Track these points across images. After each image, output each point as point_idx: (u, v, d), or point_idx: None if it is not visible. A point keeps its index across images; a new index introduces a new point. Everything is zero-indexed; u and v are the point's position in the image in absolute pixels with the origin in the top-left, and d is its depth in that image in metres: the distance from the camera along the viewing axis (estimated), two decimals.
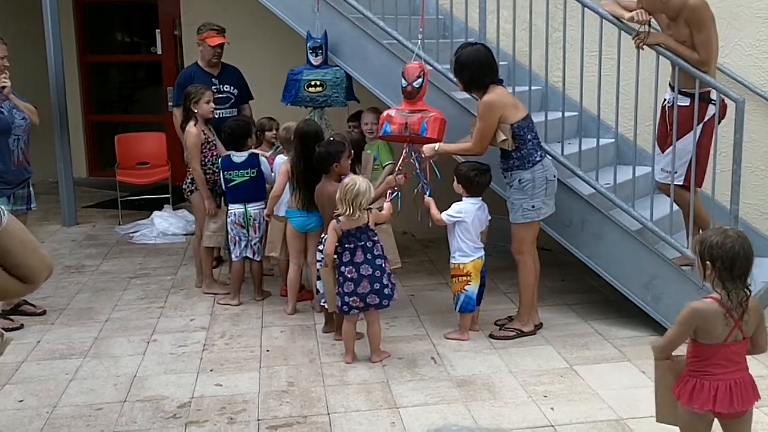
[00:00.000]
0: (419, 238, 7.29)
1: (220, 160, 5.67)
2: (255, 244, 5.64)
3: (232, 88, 6.49)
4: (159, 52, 9.44)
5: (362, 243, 4.53)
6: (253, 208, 5.59)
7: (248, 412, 4.08)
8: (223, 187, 5.66)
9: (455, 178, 4.96)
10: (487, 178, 4.95)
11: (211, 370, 4.61)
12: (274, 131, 6.35)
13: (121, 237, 7.66)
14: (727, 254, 2.93)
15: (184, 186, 5.96)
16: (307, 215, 5.27)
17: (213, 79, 6.40)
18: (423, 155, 5.05)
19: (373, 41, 5.70)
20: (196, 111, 5.70)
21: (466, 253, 4.91)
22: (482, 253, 4.98)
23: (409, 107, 5.10)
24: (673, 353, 3.13)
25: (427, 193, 5.03)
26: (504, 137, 4.80)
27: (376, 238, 4.60)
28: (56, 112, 7.87)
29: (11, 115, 5.38)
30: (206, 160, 5.76)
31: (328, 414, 4.05)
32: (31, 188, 5.61)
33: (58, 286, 6.20)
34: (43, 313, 5.59)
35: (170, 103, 7.29)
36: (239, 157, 5.60)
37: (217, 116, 6.26)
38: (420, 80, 5.09)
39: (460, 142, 5.05)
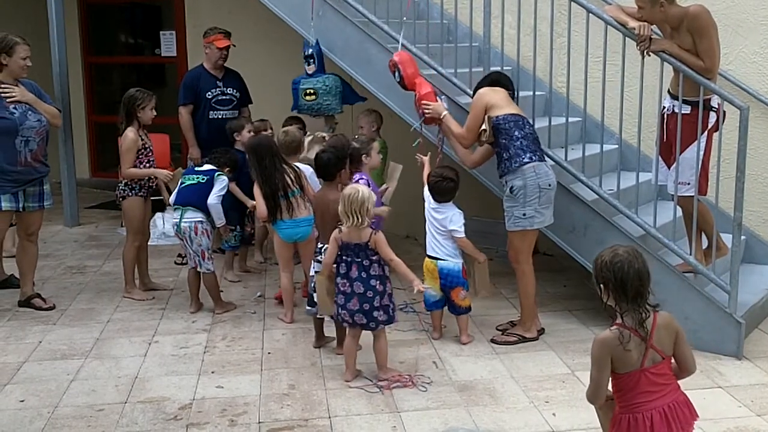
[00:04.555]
0: (422, 242, 7.26)
1: (186, 168, 5.59)
2: (195, 256, 5.49)
3: (234, 90, 6.74)
4: (163, 53, 9.45)
5: (359, 260, 4.35)
6: (186, 221, 5.43)
7: (249, 415, 4.08)
8: (174, 191, 5.61)
9: None
10: (446, 187, 4.87)
11: (212, 372, 4.61)
12: (270, 131, 6.45)
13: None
14: (617, 275, 2.79)
15: (116, 192, 5.81)
16: (295, 225, 5.20)
17: (218, 82, 6.63)
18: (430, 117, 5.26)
19: (376, 45, 5.71)
20: (139, 116, 5.63)
21: (427, 247, 5.01)
22: (434, 254, 4.93)
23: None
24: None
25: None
26: (484, 127, 4.89)
27: (375, 257, 4.36)
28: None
29: (24, 116, 5.39)
30: (141, 165, 5.69)
31: (329, 417, 4.05)
32: (44, 186, 5.62)
33: (59, 286, 6.21)
34: (52, 308, 5.64)
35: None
36: (202, 167, 5.64)
37: (220, 117, 6.57)
38: (395, 73, 5.31)
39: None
